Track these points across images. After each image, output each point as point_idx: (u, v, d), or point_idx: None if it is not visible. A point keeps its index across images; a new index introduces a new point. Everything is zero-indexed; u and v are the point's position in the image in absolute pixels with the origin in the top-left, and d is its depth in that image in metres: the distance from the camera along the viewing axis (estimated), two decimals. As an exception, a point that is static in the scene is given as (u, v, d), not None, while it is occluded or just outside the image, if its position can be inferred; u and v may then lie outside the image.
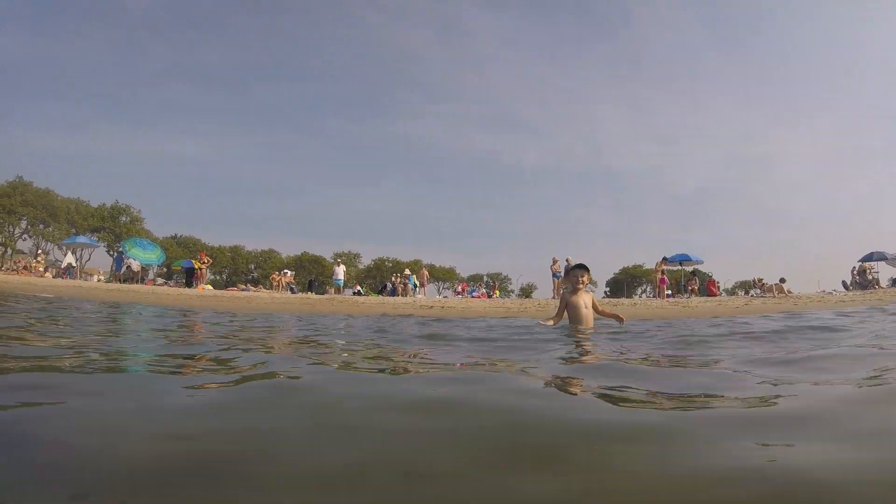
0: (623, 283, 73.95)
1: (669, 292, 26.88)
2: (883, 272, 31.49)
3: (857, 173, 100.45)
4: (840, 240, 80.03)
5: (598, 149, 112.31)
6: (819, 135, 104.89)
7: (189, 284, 29.25)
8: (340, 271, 31.25)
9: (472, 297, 34.33)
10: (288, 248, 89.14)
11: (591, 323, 6.48)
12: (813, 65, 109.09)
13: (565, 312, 6.63)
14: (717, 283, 39.64)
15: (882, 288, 27.76)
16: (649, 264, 56.55)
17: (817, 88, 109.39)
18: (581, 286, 6.58)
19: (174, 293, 22.92)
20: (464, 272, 75.74)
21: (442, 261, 78.96)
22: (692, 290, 29.14)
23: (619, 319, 6.75)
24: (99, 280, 32.63)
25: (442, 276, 74.61)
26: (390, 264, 70.05)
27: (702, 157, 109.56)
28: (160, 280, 35.00)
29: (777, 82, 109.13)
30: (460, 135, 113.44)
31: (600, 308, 6.73)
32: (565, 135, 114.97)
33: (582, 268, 6.65)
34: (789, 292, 26.08)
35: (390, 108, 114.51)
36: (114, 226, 62.95)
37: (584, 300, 6.54)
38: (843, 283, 30.90)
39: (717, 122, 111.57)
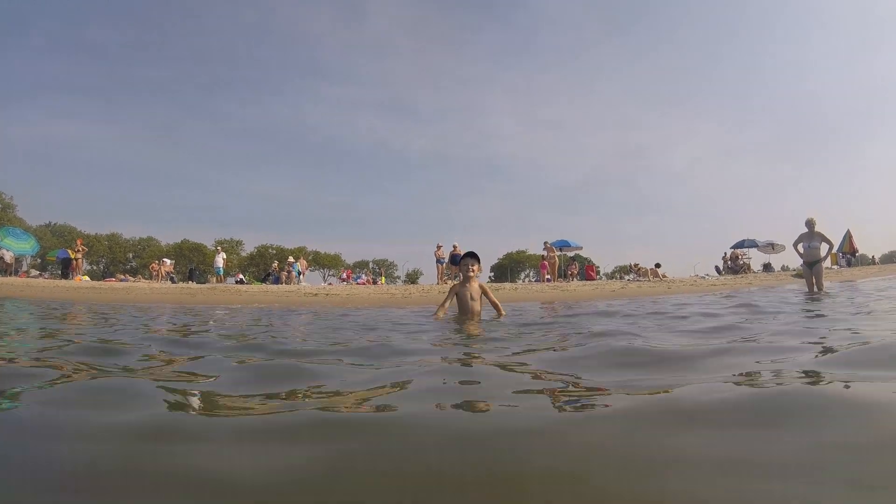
0: (507, 269, 77.31)
1: (549, 277, 28.53)
2: (756, 258, 35.30)
3: (732, 165, 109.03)
4: (715, 227, 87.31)
5: (487, 136, 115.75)
6: (699, 127, 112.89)
7: (65, 276, 28.95)
8: (220, 259, 31.51)
9: (357, 283, 35.61)
10: (168, 236, 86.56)
11: (477, 314, 6.62)
12: (700, 61, 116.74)
13: (454, 300, 6.80)
14: (597, 267, 42.84)
15: (753, 272, 31.25)
16: (532, 250, 59.72)
17: (701, 83, 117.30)
18: (472, 275, 6.71)
19: (50, 285, 22.87)
20: (350, 259, 77.03)
21: (328, 248, 79.75)
22: (572, 275, 30.85)
23: (499, 313, 6.83)
24: (-34, 272, 31.43)
25: (327, 262, 75.21)
26: (274, 251, 69.88)
27: (585, 144, 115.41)
28: (34, 272, 33.96)
29: (663, 75, 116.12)
30: (350, 120, 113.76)
31: (491, 296, 6.79)
32: (454, 121, 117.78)
33: (472, 257, 6.78)
34: (664, 276, 28.56)
35: (281, 90, 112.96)
36: (-18, 213, 59.28)
37: (473, 291, 6.65)
38: (716, 267, 34.36)
39: (603, 111, 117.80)
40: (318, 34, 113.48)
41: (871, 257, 38.30)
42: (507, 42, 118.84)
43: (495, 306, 6.85)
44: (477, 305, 6.63)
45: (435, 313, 6.82)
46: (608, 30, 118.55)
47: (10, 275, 27.53)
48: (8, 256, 28.62)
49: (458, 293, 6.72)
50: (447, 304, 6.82)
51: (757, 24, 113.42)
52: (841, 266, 32.88)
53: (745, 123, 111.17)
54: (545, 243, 30.71)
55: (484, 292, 6.74)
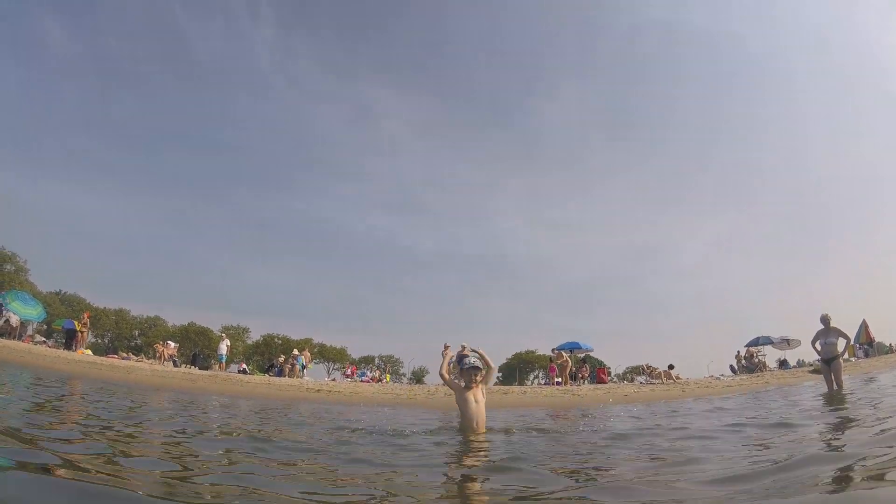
0: (516, 369, 75.71)
1: (559, 380, 27.95)
2: (771, 354, 34.38)
3: (741, 261, 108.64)
4: (728, 324, 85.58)
5: (494, 236, 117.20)
6: (701, 225, 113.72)
7: (69, 346, 28.53)
8: (224, 346, 31.20)
9: (362, 380, 34.75)
10: (176, 317, 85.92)
11: (482, 420, 6.84)
12: (700, 161, 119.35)
13: (456, 398, 7.05)
14: (608, 369, 41.79)
15: (770, 370, 30.30)
16: (542, 350, 58.67)
17: (704, 182, 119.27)
18: (474, 386, 6.91)
19: (52, 355, 22.52)
20: (356, 353, 75.36)
21: (334, 340, 78.30)
22: (582, 378, 29.95)
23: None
24: (-27, 331, 31.15)
25: (333, 356, 73.97)
26: (280, 342, 68.83)
27: (593, 244, 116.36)
28: (39, 337, 33.58)
29: (665, 176, 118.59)
30: (360, 216, 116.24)
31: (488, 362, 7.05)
32: (462, 221, 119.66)
33: (476, 370, 6.92)
34: (678, 378, 27.62)
35: (295, 184, 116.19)
36: (-4, 273, 59.62)
37: (477, 395, 6.90)
38: (731, 367, 33.05)
39: (606, 211, 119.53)
40: (332, 133, 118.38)
41: (888, 345, 37.00)
42: (513, 146, 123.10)
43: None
44: (482, 408, 6.83)
45: (446, 350, 7.54)
46: (609, 136, 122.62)
47: (15, 338, 27.21)
48: (14, 320, 28.39)
49: (463, 396, 6.88)
50: (450, 381, 7.18)
51: (751, 120, 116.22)
52: (859, 358, 31.74)
53: (750, 218, 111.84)
54: (553, 350, 30.37)
55: (484, 383, 7.02)
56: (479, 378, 6.89)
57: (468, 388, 6.90)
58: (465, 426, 6.80)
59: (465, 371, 7.03)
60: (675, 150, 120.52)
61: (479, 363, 7.00)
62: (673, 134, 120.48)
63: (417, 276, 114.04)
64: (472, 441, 6.28)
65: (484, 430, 6.79)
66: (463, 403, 6.87)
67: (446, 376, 7.26)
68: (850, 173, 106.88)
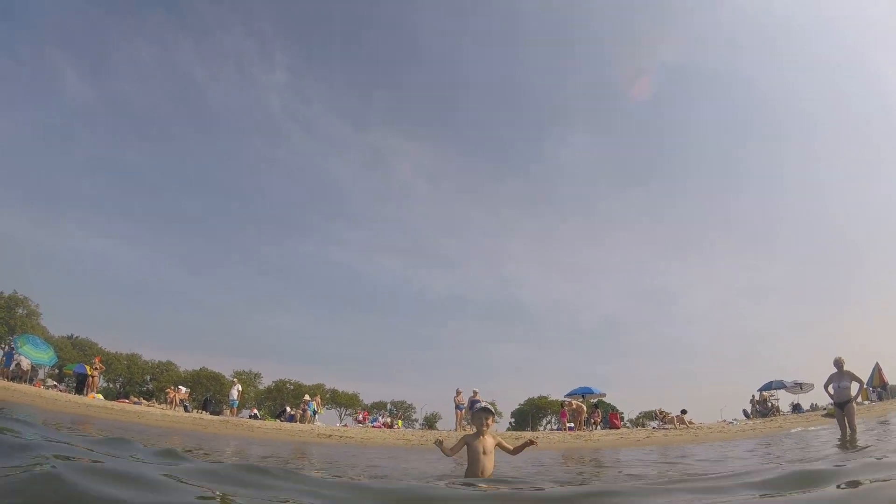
0: (528, 415, 74.63)
1: (571, 425, 27.60)
2: (784, 398, 33.81)
3: (750, 305, 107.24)
4: (740, 368, 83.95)
5: (506, 281, 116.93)
6: (715, 269, 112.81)
7: (79, 391, 28.30)
8: (235, 392, 31.01)
9: (373, 426, 34.27)
10: (187, 362, 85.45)
11: (489, 471, 6.37)
12: (716, 205, 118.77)
13: (463, 450, 6.52)
14: (621, 414, 41.13)
15: (783, 414, 29.86)
16: (555, 395, 57.97)
17: (718, 226, 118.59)
18: (486, 428, 6.52)
19: (62, 398, 22.34)
20: (367, 398, 74.85)
21: (346, 386, 77.54)
22: (595, 423, 29.67)
23: (531, 443, 6.83)
24: (-17, 375, 31.09)
25: (345, 401, 73.32)
26: (291, 387, 68.44)
27: (605, 289, 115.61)
28: (50, 381, 33.43)
29: (679, 221, 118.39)
30: (373, 261, 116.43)
31: (508, 447, 6.68)
32: (474, 266, 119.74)
33: (487, 411, 6.66)
34: (690, 423, 27.27)
35: (307, 228, 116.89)
36: (8, 317, 59.67)
37: (486, 445, 6.41)
38: (744, 411, 32.75)
39: (619, 257, 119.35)
40: (344, 179, 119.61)
41: None
42: (526, 191, 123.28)
43: (523, 447, 6.76)
44: (489, 462, 6.34)
45: (441, 445, 6.60)
46: (622, 182, 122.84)
47: (25, 382, 27.09)
48: (25, 364, 28.34)
49: (470, 445, 6.39)
50: (458, 451, 6.52)
51: (767, 163, 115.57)
52: (872, 401, 31.27)
53: (766, 262, 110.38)
54: (564, 398, 30.79)
55: (500, 445, 6.53)
56: (490, 422, 6.57)
57: (478, 434, 6.48)
58: (471, 473, 6.37)
59: (475, 414, 6.72)
60: (689, 194, 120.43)
61: (489, 406, 6.75)
62: (687, 177, 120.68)
63: (430, 321, 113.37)
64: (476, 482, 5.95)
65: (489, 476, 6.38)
66: (471, 453, 6.40)
67: (453, 455, 6.72)
68: (868, 213, 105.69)
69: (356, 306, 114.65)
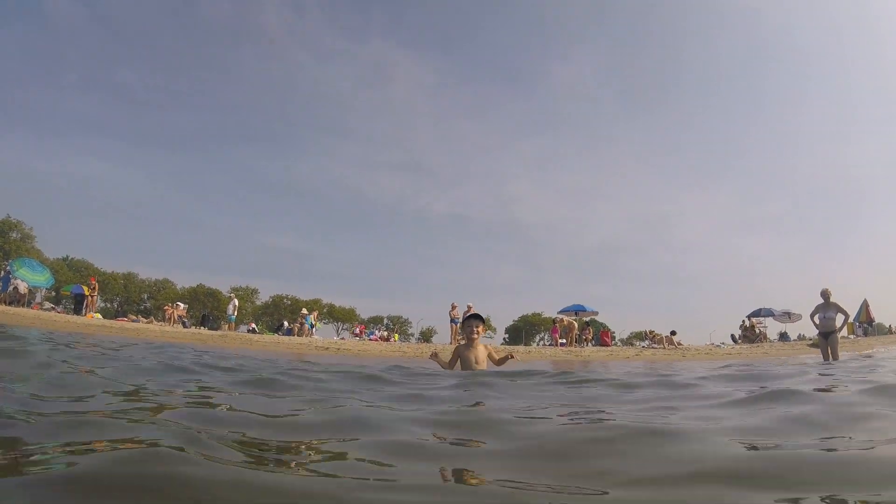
0: (521, 331, 76.43)
1: (563, 341, 28.24)
2: (772, 327, 34.50)
3: (748, 235, 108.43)
4: (732, 296, 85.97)
5: (504, 200, 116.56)
6: (715, 198, 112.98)
7: (78, 311, 28.65)
8: (232, 306, 31.27)
9: (370, 339, 34.94)
10: (184, 280, 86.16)
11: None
12: (713, 133, 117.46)
13: (458, 363, 6.47)
14: (613, 333, 42.11)
15: (770, 342, 30.48)
16: (548, 313, 59.31)
17: (715, 156, 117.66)
18: (476, 336, 6.45)
19: (61, 319, 22.64)
20: (365, 314, 76.57)
21: (343, 301, 79.04)
22: (586, 340, 30.27)
23: (511, 357, 6.70)
24: (-19, 299, 31.34)
25: (342, 316, 74.73)
26: (289, 302, 69.71)
27: (605, 214, 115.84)
28: (48, 304, 33.78)
29: (680, 148, 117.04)
30: (370, 178, 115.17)
31: (496, 357, 6.60)
32: (473, 185, 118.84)
33: (476, 318, 6.59)
34: (679, 344, 28.04)
35: (302, 145, 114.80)
36: (3, 242, 59.67)
37: (477, 354, 6.37)
38: (732, 336, 33.38)
39: (621, 183, 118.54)
40: (341, 93, 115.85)
41: (888, 326, 37.23)
42: (526, 111, 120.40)
43: (506, 358, 6.64)
44: (482, 368, 6.29)
45: (437, 358, 6.71)
46: (626, 105, 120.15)
47: (24, 306, 27.33)
48: (22, 287, 28.44)
49: (462, 356, 6.38)
50: (454, 364, 6.47)
51: (779, 96, 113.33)
52: (858, 336, 32.13)
53: (762, 196, 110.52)
54: (556, 315, 31.27)
55: (490, 356, 6.48)
56: (480, 330, 6.49)
57: (469, 345, 6.43)
58: None
59: (465, 322, 6.75)
60: (695, 123, 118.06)
61: (478, 313, 6.73)
62: (695, 106, 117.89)
63: (427, 238, 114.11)
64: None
65: None
66: (464, 363, 6.37)
67: (450, 368, 6.52)
68: (879, 154, 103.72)
69: (355, 224, 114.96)
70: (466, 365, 6.31)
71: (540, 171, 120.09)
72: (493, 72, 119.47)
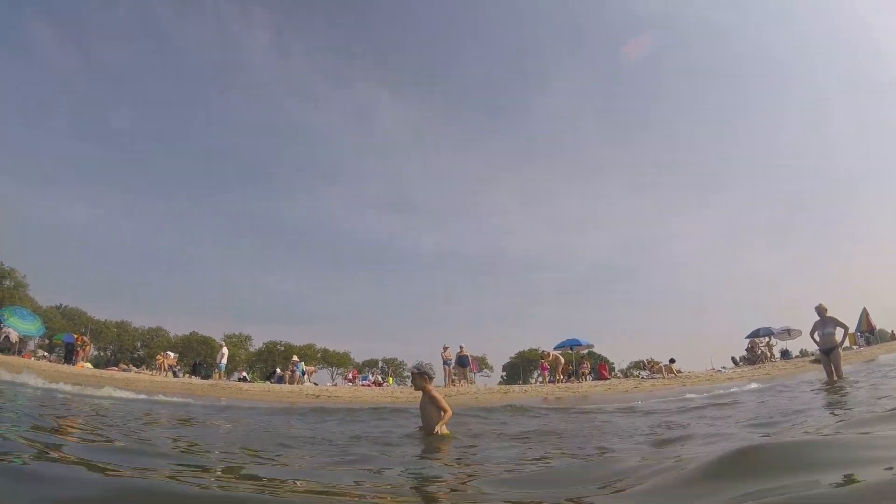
0: (519, 367, 75.81)
1: (551, 378, 28.12)
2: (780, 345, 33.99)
3: (742, 252, 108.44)
4: (732, 315, 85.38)
5: (493, 233, 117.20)
6: (705, 219, 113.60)
7: (68, 360, 28.59)
8: (220, 356, 31.12)
9: (363, 384, 34.80)
10: (177, 327, 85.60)
11: (431, 427, 6.59)
12: (698, 152, 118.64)
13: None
14: (611, 365, 41.82)
15: (773, 360, 30.14)
16: (546, 347, 59.07)
17: (702, 176, 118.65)
18: (416, 388, 7.03)
19: (50, 369, 22.54)
20: (359, 357, 75.88)
21: (337, 345, 78.44)
22: (583, 374, 30.01)
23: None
24: (-27, 348, 31.26)
25: (336, 361, 74.10)
26: (282, 348, 69.13)
27: (596, 241, 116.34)
28: (41, 352, 33.68)
29: (665, 170, 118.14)
30: (358, 217, 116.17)
31: (438, 403, 6.69)
32: (460, 219, 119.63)
33: (414, 373, 7.07)
34: (679, 372, 27.73)
35: (290, 187, 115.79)
36: (-5, 289, 59.60)
37: (425, 401, 6.82)
38: (733, 359, 33.12)
39: (609, 209, 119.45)
40: (326, 134, 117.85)
41: (890, 332, 36.70)
42: (509, 142, 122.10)
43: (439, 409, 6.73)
44: (428, 418, 6.74)
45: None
46: (604, 128, 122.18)
47: (14, 354, 27.27)
48: (13, 336, 28.44)
49: (420, 406, 6.94)
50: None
51: (767, 108, 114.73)
52: (860, 346, 31.76)
53: (751, 208, 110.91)
54: (542, 352, 31.54)
55: (432, 399, 6.73)
56: (421, 381, 6.88)
57: (423, 398, 6.93)
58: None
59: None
60: (679, 140, 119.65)
61: (416, 367, 7.07)
62: (675, 124, 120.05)
63: (418, 276, 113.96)
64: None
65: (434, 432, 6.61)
66: (421, 412, 6.99)
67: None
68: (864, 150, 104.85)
69: (344, 265, 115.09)
70: (421, 412, 6.92)
71: (528, 203, 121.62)
72: (475, 107, 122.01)
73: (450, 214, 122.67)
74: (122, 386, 18.89)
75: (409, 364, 74.94)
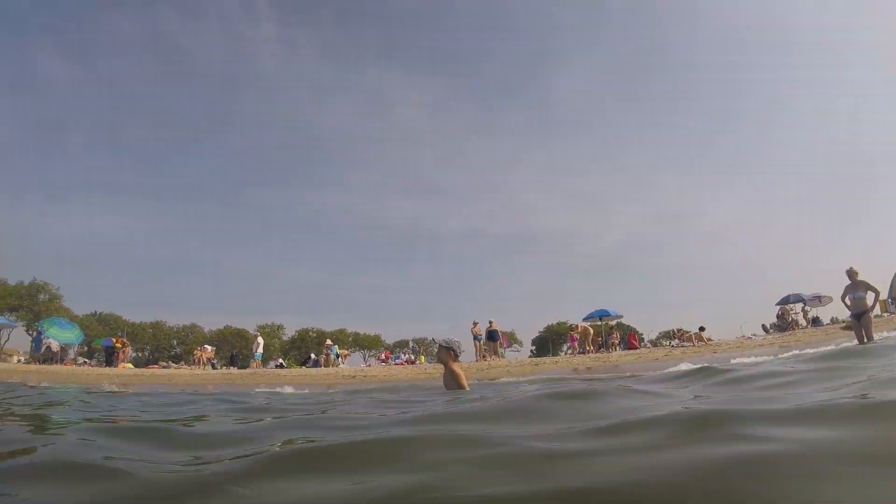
0: (548, 341, 75.77)
1: (581, 349, 27.98)
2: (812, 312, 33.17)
3: (770, 220, 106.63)
4: (762, 284, 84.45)
5: (517, 211, 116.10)
6: (732, 187, 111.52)
7: (109, 363, 29.28)
8: (256, 346, 31.64)
9: (396, 363, 35.23)
10: (211, 323, 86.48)
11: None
12: (724, 120, 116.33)
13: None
14: (640, 334, 41.70)
15: (803, 328, 29.54)
16: (574, 320, 59.04)
17: (730, 148, 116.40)
18: (440, 362, 7.40)
19: (94, 373, 23.14)
20: (390, 338, 76.53)
21: (367, 328, 78.95)
22: (613, 344, 30.21)
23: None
24: (18, 361, 32.09)
25: (367, 343, 74.86)
26: (314, 334, 69.94)
27: (623, 215, 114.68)
28: (81, 359, 34.54)
29: (687, 139, 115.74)
30: (383, 203, 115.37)
31: (458, 380, 6.98)
32: (484, 198, 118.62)
33: (439, 347, 7.28)
34: (709, 340, 27.52)
35: (311, 178, 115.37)
36: (32, 304, 60.74)
37: (445, 376, 7.22)
38: (763, 326, 32.58)
39: (631, 178, 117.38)
40: (344, 124, 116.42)
41: None
42: (530, 120, 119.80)
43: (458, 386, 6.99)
44: (450, 388, 7.06)
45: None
46: (625, 101, 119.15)
47: (57, 363, 27.98)
48: (54, 346, 29.15)
49: (444, 380, 7.32)
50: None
51: (778, 74, 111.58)
52: (892, 312, 30.79)
53: (778, 177, 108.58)
54: (571, 324, 31.54)
55: (452, 373, 7.03)
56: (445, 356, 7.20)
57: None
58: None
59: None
60: (694, 111, 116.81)
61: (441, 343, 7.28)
62: (692, 93, 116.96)
63: (445, 257, 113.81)
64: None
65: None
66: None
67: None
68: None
69: (372, 250, 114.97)
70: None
71: (552, 180, 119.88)
72: (493, 86, 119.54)
73: (475, 194, 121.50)
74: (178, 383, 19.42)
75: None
